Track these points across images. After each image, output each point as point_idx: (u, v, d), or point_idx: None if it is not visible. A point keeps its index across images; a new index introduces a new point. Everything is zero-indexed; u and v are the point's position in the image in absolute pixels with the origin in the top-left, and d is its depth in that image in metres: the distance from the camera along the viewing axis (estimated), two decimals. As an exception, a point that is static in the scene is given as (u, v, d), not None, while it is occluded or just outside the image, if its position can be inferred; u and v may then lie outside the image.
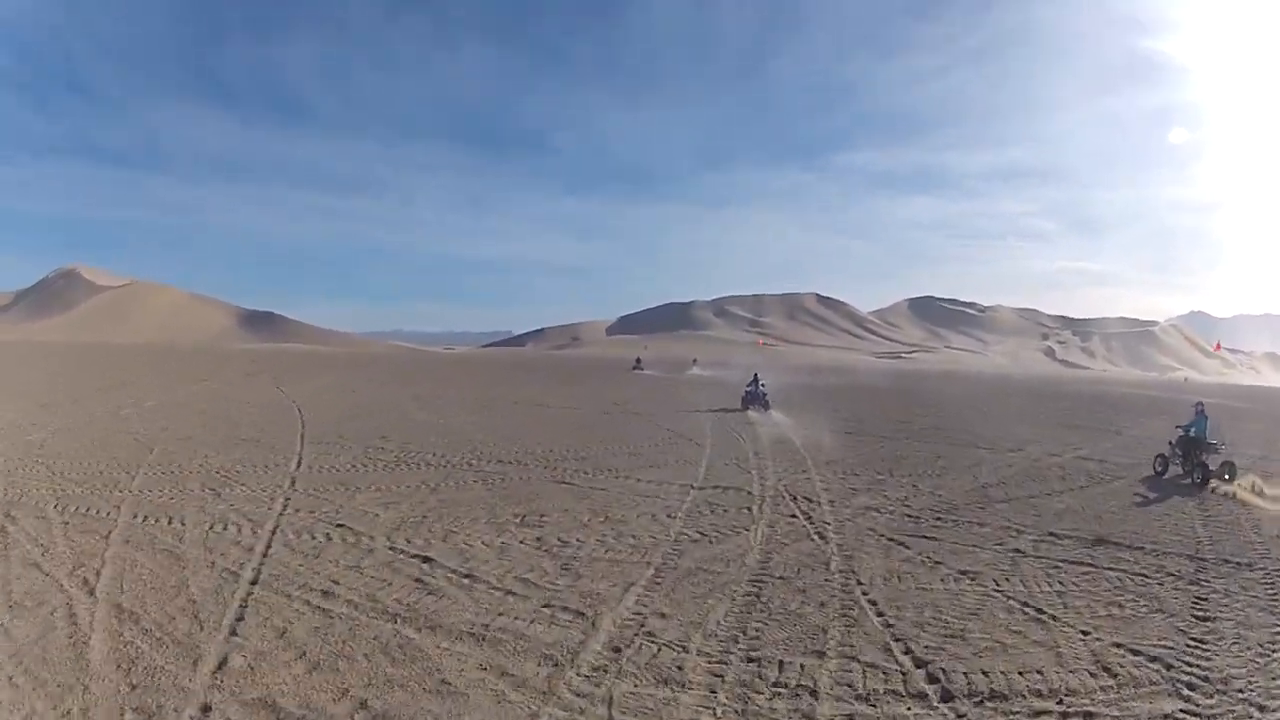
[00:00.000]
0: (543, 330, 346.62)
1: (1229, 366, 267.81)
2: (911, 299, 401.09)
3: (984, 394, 52.94)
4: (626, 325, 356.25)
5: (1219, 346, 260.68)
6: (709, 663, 6.54)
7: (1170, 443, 17.66)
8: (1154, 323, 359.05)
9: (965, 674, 6.44)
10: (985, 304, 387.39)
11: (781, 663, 6.58)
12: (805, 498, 13.57)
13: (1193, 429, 17.13)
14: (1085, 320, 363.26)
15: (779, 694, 6.03)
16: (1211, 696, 6.16)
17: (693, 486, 14.29)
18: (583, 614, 7.59)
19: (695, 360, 79.03)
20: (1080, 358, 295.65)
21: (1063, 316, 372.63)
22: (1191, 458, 16.74)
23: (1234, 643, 7.35)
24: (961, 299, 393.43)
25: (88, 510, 11.12)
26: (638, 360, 73.63)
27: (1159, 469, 17.49)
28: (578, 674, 6.23)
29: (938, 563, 9.82)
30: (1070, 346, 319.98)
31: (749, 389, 31.28)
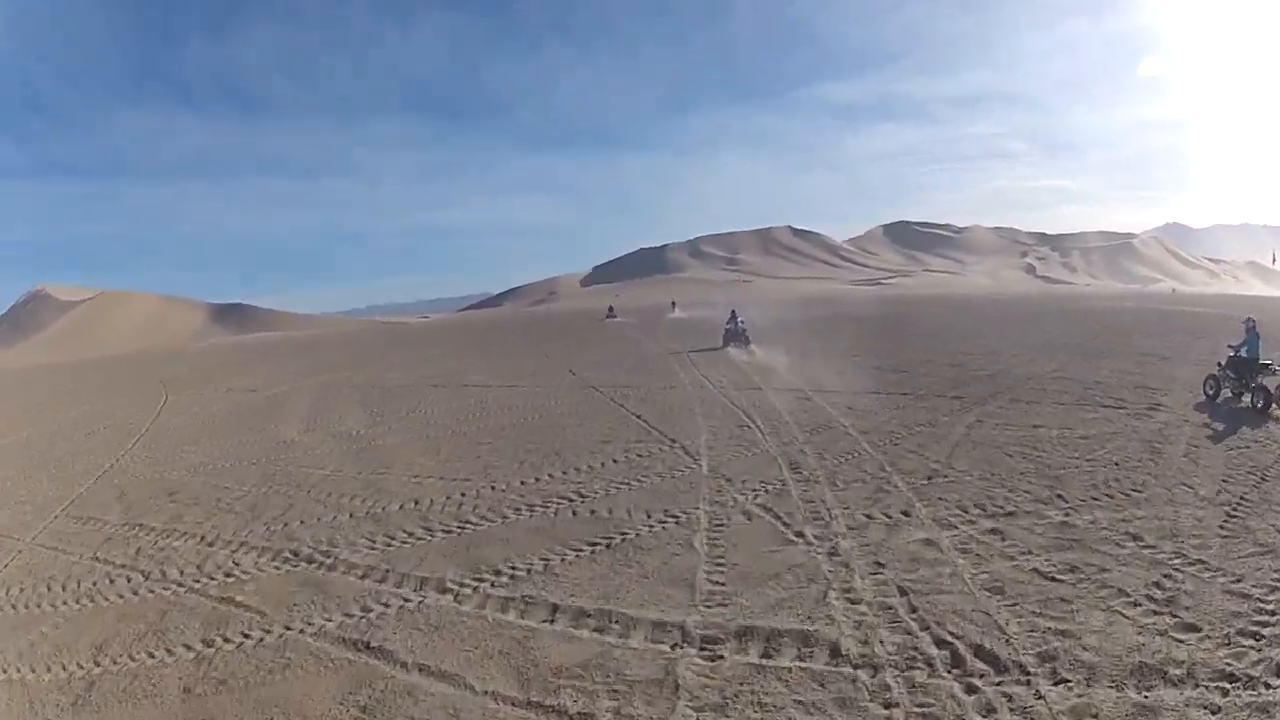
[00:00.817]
0: (519, 288, 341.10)
1: (1213, 276, 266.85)
2: (886, 225, 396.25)
3: (999, 318, 48.61)
4: (601, 275, 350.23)
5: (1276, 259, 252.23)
6: None
7: (1220, 364, 16.58)
8: (1132, 235, 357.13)
9: None
10: (961, 225, 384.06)
11: None
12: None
13: (1245, 348, 16.05)
14: (1063, 236, 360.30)
15: None
16: None
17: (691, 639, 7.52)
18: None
19: (674, 303, 75.82)
20: (1061, 273, 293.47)
21: (1040, 233, 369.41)
22: (1246, 380, 15.68)
23: None
24: (936, 221, 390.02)
25: None
26: (610, 309, 70.37)
27: (1210, 392, 16.37)
28: None
29: None
30: (1050, 263, 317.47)
31: (729, 326, 31.15)
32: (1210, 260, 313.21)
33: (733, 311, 32.99)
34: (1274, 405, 14.82)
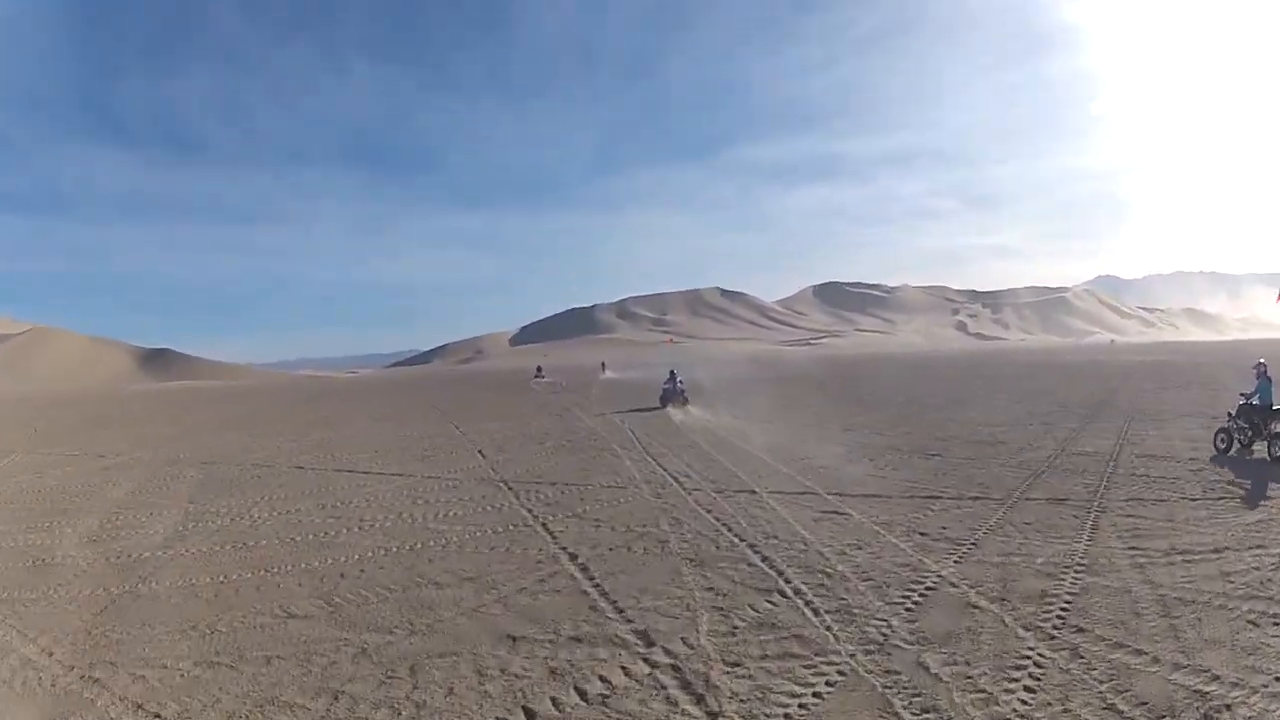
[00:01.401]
0: (447, 346, 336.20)
1: (1148, 325, 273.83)
2: (816, 285, 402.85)
3: (962, 378, 44.68)
4: (529, 334, 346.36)
5: None
6: None
7: (1229, 414, 15.32)
8: (1065, 289, 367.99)
9: None
10: (891, 284, 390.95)
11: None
12: None
13: (1257, 396, 14.86)
14: (994, 292, 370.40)
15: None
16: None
17: None
18: None
19: (604, 364, 72.59)
20: (994, 329, 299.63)
21: (970, 290, 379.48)
22: (1260, 428, 14.49)
23: None
24: (866, 281, 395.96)
25: None
26: (538, 370, 64.12)
27: (1221, 445, 14.99)
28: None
29: None
30: (981, 319, 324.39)
31: (667, 385, 30.50)
32: (1145, 310, 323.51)
33: (671, 371, 31.98)
34: None
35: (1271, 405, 14.46)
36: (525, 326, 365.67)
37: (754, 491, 12.96)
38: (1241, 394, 15.43)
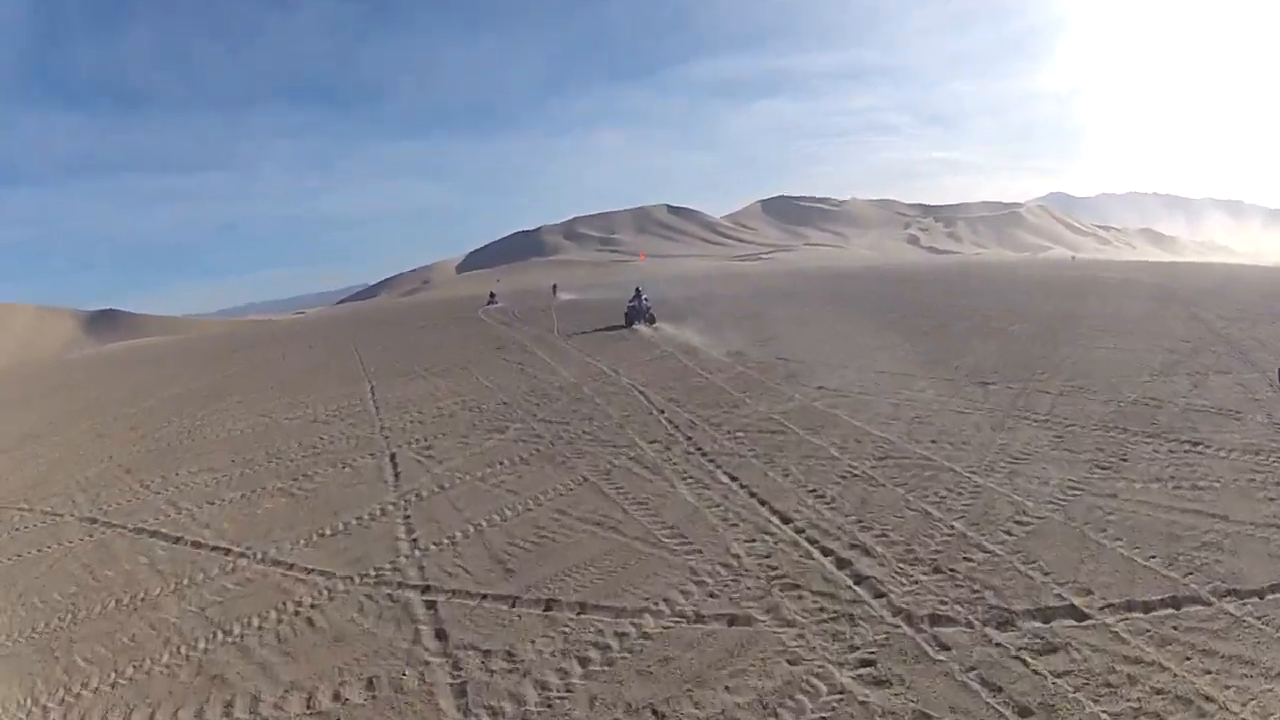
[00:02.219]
0: (394, 278, 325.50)
1: (1103, 243, 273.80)
2: (764, 200, 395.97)
3: (976, 291, 41.70)
4: (476, 260, 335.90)
5: None
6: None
7: None
8: (1019, 204, 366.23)
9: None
10: (840, 198, 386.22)
11: None
12: None
13: None
14: (946, 206, 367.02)
15: None
16: None
17: None
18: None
19: (555, 286, 68.82)
20: (946, 243, 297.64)
21: (922, 205, 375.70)
22: None
23: None
24: (815, 195, 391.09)
25: None
26: (491, 295, 61.37)
27: None
28: None
29: None
30: (934, 233, 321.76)
31: (632, 304, 30.19)
32: (1100, 228, 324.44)
33: (637, 289, 32.05)
34: None
35: None
36: (472, 253, 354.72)
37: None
38: None
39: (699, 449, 12.76)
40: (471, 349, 27.89)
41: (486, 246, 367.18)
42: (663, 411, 15.25)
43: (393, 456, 13.91)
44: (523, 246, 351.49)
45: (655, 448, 13.08)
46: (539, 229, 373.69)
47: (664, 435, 13.77)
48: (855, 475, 10.89)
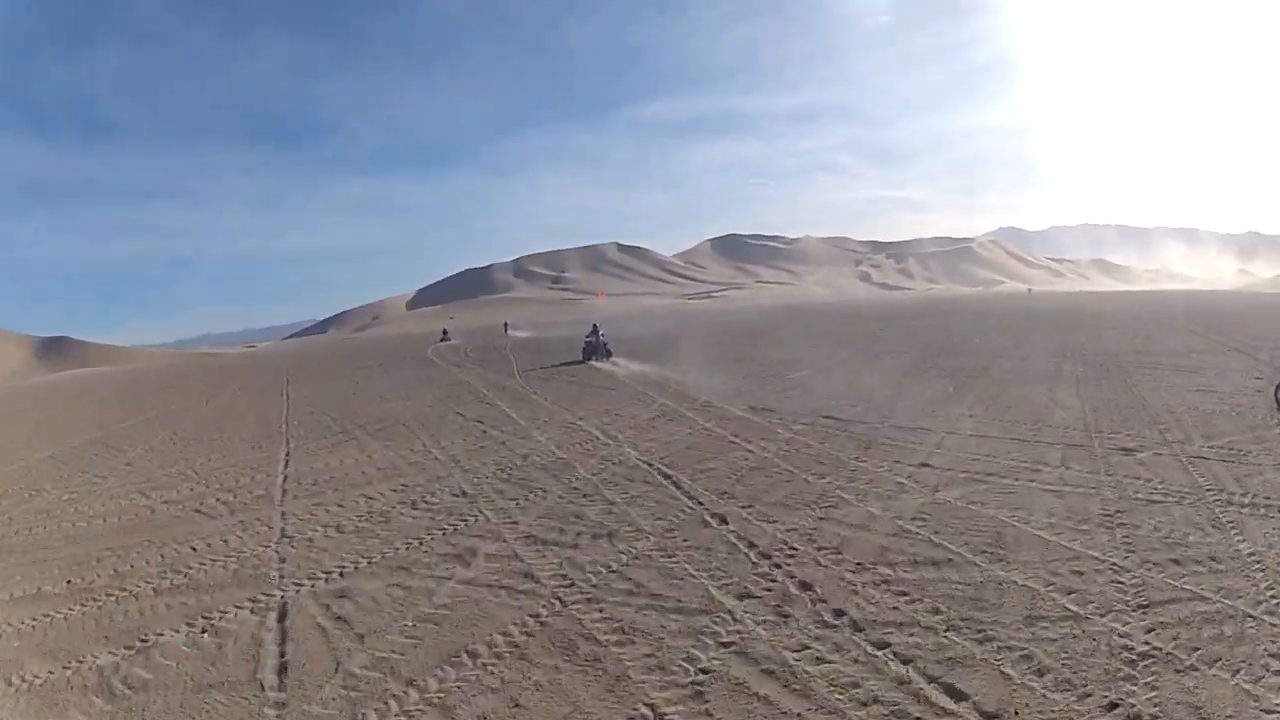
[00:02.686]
0: (345, 313, 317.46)
1: (1056, 275, 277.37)
2: (714, 238, 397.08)
3: (971, 328, 37.89)
4: (426, 297, 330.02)
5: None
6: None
7: None
8: (970, 240, 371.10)
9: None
10: (791, 235, 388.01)
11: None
12: None
13: None
14: (897, 243, 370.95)
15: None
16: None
17: None
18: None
19: (506, 324, 69.97)
20: (898, 279, 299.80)
21: (873, 241, 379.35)
22: None
23: None
24: (765, 233, 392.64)
25: None
26: (444, 333, 61.22)
27: None
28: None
29: None
30: (885, 269, 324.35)
31: (589, 339, 30.44)
32: (1053, 260, 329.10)
33: (594, 325, 32.27)
34: None
35: None
36: (422, 289, 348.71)
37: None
38: None
39: (840, 614, 7.01)
40: (420, 399, 22.78)
41: (437, 283, 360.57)
42: (723, 520, 9.67)
43: (282, 610, 8.43)
44: (473, 283, 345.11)
45: (755, 613, 7.17)
46: (489, 266, 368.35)
47: (752, 577, 7.96)
48: (1135, 651, 6.24)
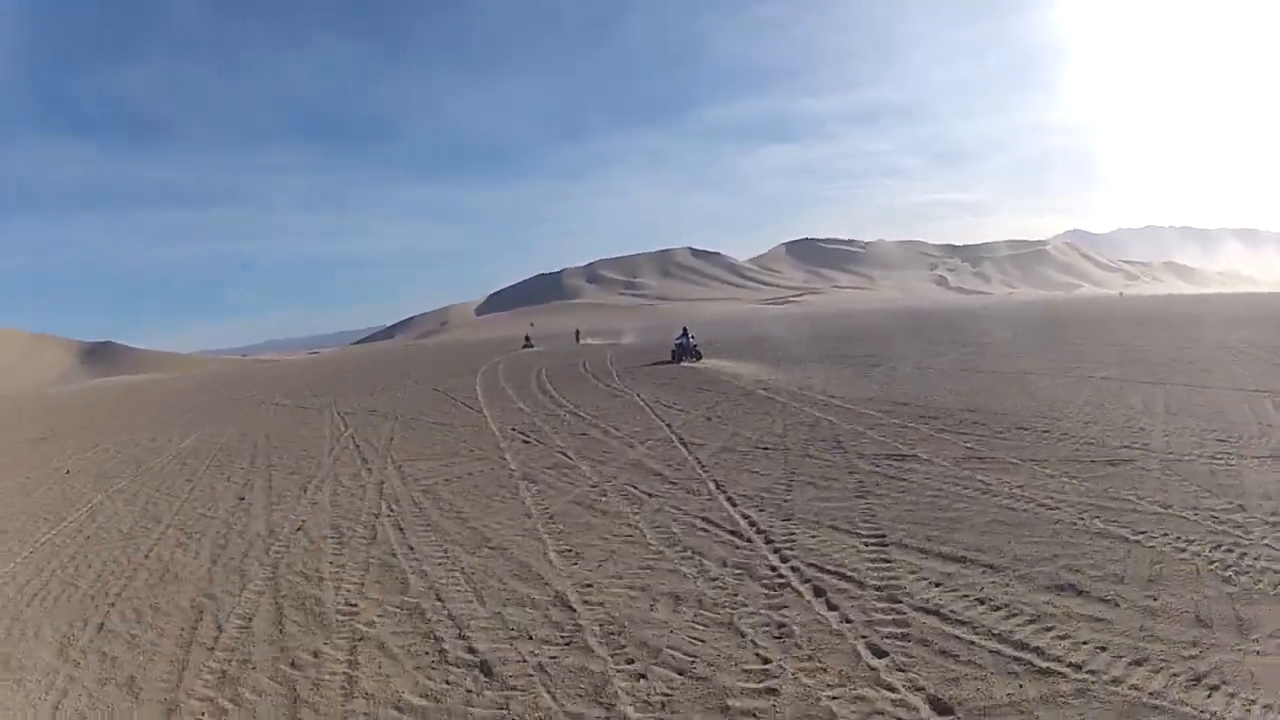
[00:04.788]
0: (411, 319, 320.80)
1: (1131, 279, 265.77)
2: (789, 242, 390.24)
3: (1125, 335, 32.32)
4: (496, 303, 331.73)
5: None
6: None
7: None
8: (1044, 242, 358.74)
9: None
10: (866, 240, 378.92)
11: None
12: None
13: None
14: (972, 246, 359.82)
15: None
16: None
17: None
18: None
19: (578, 331, 67.41)
20: (975, 284, 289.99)
21: (948, 245, 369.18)
22: None
23: None
24: (840, 237, 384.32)
25: None
26: (526, 339, 60.25)
27: None
28: None
29: None
30: (961, 273, 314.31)
31: (679, 341, 30.96)
32: (1125, 263, 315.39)
33: (684, 328, 33.12)
34: None
35: None
36: (492, 295, 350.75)
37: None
38: None
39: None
40: (504, 422, 19.35)
41: (508, 289, 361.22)
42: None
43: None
44: (544, 289, 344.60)
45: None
46: (560, 271, 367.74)
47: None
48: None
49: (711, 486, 11.16)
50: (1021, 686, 5.33)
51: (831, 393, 19.46)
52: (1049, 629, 6.13)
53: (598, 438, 16.00)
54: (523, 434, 17.24)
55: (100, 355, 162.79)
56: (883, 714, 5.17)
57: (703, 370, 27.01)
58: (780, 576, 7.63)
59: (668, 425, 16.56)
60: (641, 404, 20.10)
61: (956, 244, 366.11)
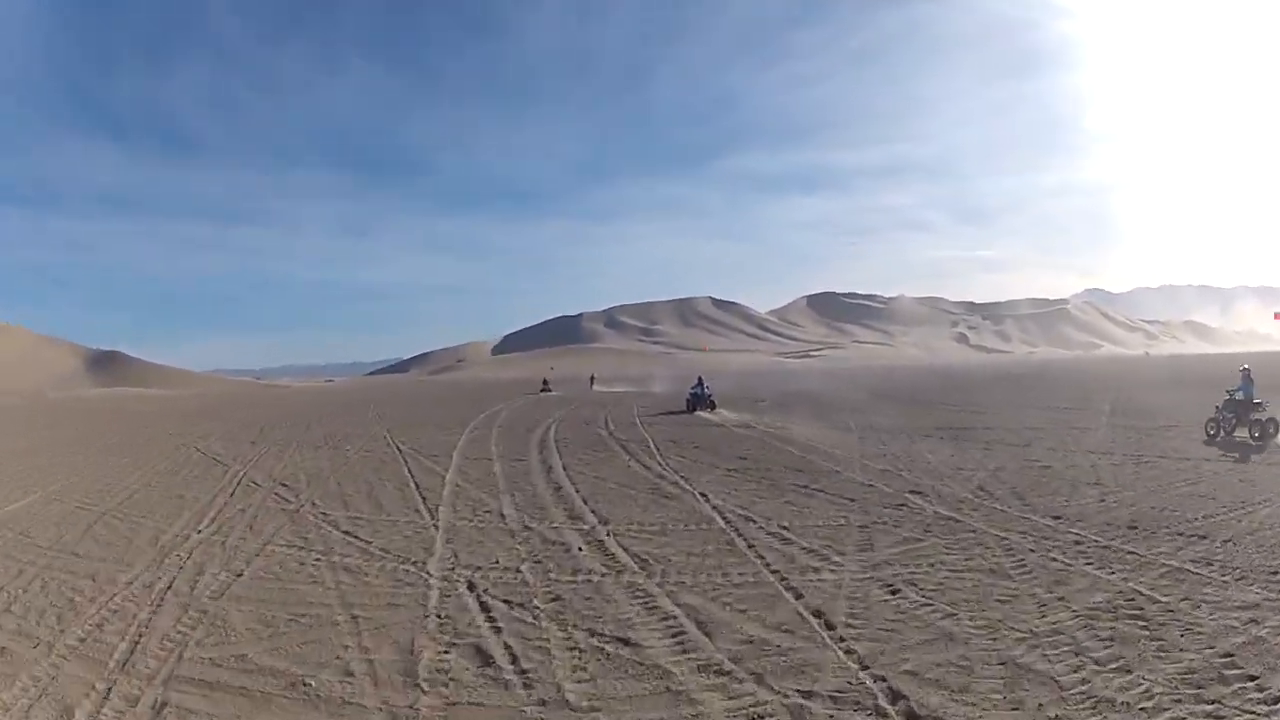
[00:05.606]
0: (427, 354, 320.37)
1: (1152, 339, 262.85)
2: (810, 295, 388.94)
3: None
4: (512, 343, 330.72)
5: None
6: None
7: (1218, 407, 18.19)
8: (1064, 301, 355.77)
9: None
10: (887, 295, 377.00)
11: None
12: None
13: (1239, 392, 17.99)
14: (993, 304, 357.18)
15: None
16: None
17: None
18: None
19: (593, 377, 63.82)
20: (995, 342, 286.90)
21: (968, 302, 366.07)
22: (1242, 417, 17.51)
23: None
24: (860, 292, 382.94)
25: None
26: (545, 383, 56.59)
27: (1211, 432, 17.91)
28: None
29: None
30: (982, 331, 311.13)
31: (694, 390, 30.84)
32: (1146, 322, 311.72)
33: (699, 378, 32.65)
34: (1269, 435, 16.67)
35: (1252, 399, 17.65)
36: (508, 335, 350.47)
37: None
38: (1227, 390, 18.46)
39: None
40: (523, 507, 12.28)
41: (525, 330, 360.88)
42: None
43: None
44: (562, 332, 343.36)
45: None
46: (579, 315, 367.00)
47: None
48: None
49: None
50: None
51: (1002, 503, 11.46)
52: None
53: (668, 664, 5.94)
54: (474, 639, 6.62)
55: (105, 364, 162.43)
56: None
57: (783, 440, 19.85)
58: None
59: (801, 600, 7.15)
60: (716, 517, 10.90)
61: (977, 301, 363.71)
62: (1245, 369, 18.83)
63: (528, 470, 16.08)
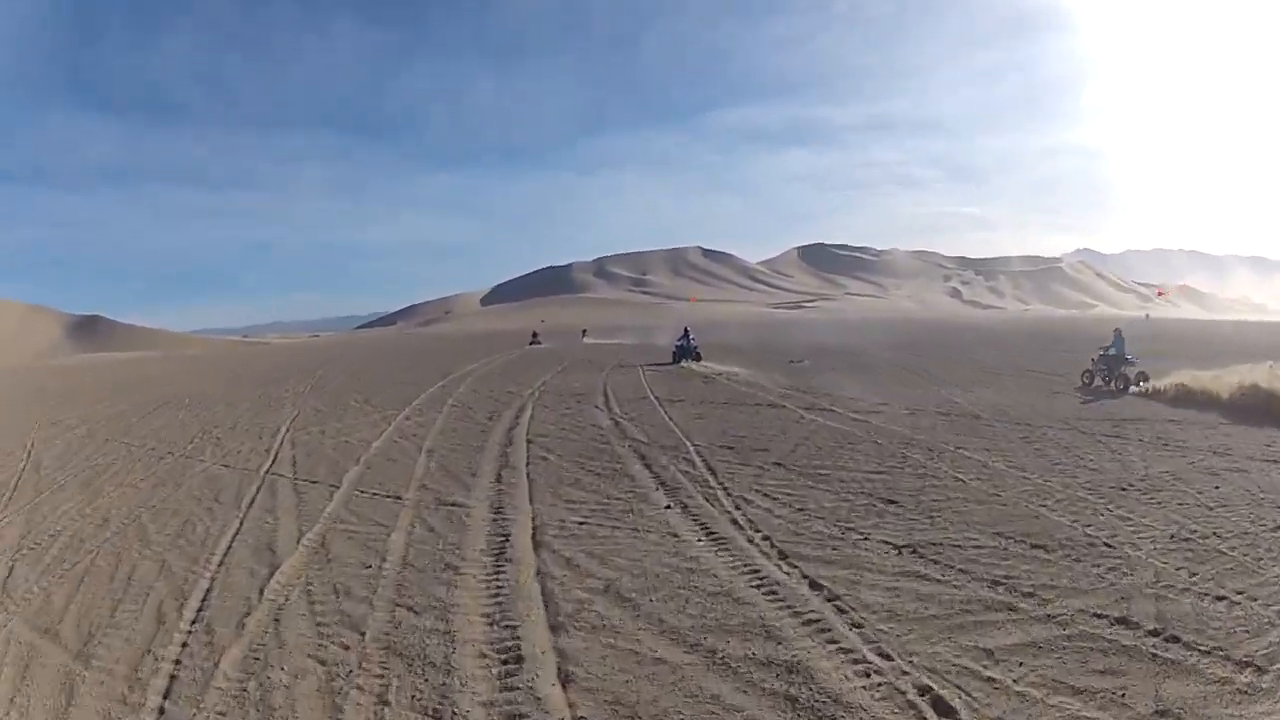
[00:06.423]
0: (414, 307, 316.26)
1: (1146, 300, 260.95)
2: (801, 246, 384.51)
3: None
4: (502, 294, 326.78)
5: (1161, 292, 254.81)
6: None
7: (1093, 359, 21.05)
8: (1058, 259, 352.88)
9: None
10: (880, 248, 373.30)
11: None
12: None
13: (1112, 349, 20.70)
14: (987, 260, 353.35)
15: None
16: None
17: None
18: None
19: (585, 331, 64.10)
20: (989, 298, 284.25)
21: (961, 257, 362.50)
22: (1112, 371, 20.21)
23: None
24: (853, 244, 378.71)
25: None
26: (534, 335, 54.83)
27: (1086, 381, 20.80)
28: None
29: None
30: (975, 287, 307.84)
31: (679, 343, 30.93)
32: (1140, 284, 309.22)
33: (685, 329, 32.69)
34: (1129, 386, 19.32)
35: (1122, 355, 20.32)
36: (498, 285, 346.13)
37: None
38: (1100, 348, 21.34)
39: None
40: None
41: (514, 280, 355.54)
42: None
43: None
44: (551, 282, 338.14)
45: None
46: (569, 265, 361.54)
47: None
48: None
49: None
50: None
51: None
52: None
53: None
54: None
55: (87, 330, 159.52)
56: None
57: (872, 423, 14.61)
58: None
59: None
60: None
61: (970, 257, 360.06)
62: (1117, 330, 21.96)
63: (479, 479, 10.93)
